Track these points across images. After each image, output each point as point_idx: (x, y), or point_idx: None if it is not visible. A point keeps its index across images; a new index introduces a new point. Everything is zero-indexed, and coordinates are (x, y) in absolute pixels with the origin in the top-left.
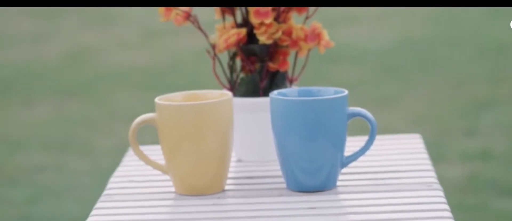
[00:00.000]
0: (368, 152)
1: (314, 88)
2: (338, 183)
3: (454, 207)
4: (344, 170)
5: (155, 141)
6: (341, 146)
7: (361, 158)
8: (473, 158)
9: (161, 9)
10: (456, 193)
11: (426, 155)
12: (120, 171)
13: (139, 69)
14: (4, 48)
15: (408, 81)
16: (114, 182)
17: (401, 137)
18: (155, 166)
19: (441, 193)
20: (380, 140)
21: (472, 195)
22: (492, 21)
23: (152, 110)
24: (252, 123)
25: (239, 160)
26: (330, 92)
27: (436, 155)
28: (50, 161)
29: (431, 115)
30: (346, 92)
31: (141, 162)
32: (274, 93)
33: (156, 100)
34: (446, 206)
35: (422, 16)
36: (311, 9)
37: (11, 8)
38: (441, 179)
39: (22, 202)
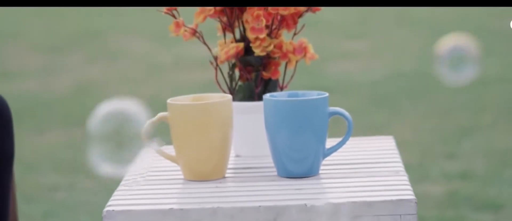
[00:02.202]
0: (346, 148)
1: (300, 92)
2: (320, 170)
3: (434, 220)
4: (326, 160)
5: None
6: (323, 139)
7: (340, 151)
8: (453, 178)
9: (171, 26)
10: (436, 207)
11: (396, 151)
12: (136, 163)
13: (142, 101)
14: (16, 81)
15: (397, 110)
16: (132, 171)
17: (375, 138)
18: (167, 156)
19: (406, 179)
20: (357, 140)
21: (451, 210)
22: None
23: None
24: (249, 123)
25: (237, 155)
26: (314, 94)
27: (420, 175)
28: (62, 181)
29: (417, 141)
30: (327, 94)
31: (154, 156)
32: (267, 96)
33: (169, 101)
34: (409, 187)
35: (412, 51)
36: (298, 27)
37: (20, 43)
38: (423, 195)
39: (39, 216)
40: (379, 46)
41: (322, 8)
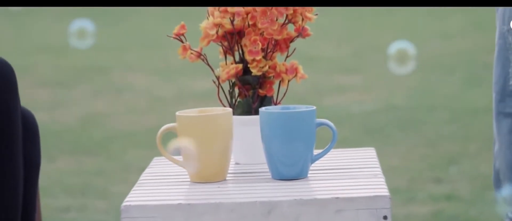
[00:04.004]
0: (332, 156)
1: (291, 106)
2: (309, 173)
3: None
4: (313, 165)
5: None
6: (311, 147)
7: (327, 158)
8: (439, 200)
9: (179, 50)
10: None
11: (376, 159)
12: (148, 169)
13: (146, 131)
14: None
15: (387, 140)
16: (145, 175)
17: (358, 149)
18: (175, 161)
19: (383, 181)
20: (342, 150)
21: None
22: (468, 89)
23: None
24: (247, 135)
25: (237, 163)
26: (303, 108)
27: (407, 197)
28: (73, 203)
29: (406, 167)
30: (314, 107)
31: (164, 163)
32: (263, 109)
33: (177, 113)
34: (385, 186)
35: (405, 86)
36: (290, 50)
37: (30, 78)
38: (410, 215)
39: None
40: (373, 81)
41: (312, 34)
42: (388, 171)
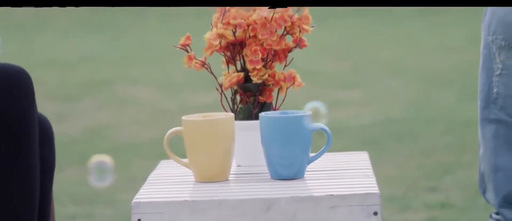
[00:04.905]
0: (327, 159)
1: (289, 111)
2: (305, 174)
3: None
4: (310, 166)
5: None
6: (307, 149)
7: (322, 161)
8: (434, 207)
9: (184, 59)
10: None
11: (368, 162)
12: (156, 171)
13: (150, 142)
14: None
15: (384, 151)
16: (153, 176)
17: (352, 153)
18: (181, 162)
19: (374, 180)
20: (337, 154)
21: None
22: (463, 102)
23: None
24: (248, 139)
25: (238, 165)
26: (300, 113)
27: (403, 205)
28: (80, 211)
29: (401, 177)
30: (310, 112)
31: (170, 165)
32: (263, 114)
33: (183, 118)
34: (375, 185)
35: (403, 99)
36: (288, 60)
37: (37, 92)
38: None
39: None
40: (371, 95)
41: (309, 45)
42: (384, 180)
